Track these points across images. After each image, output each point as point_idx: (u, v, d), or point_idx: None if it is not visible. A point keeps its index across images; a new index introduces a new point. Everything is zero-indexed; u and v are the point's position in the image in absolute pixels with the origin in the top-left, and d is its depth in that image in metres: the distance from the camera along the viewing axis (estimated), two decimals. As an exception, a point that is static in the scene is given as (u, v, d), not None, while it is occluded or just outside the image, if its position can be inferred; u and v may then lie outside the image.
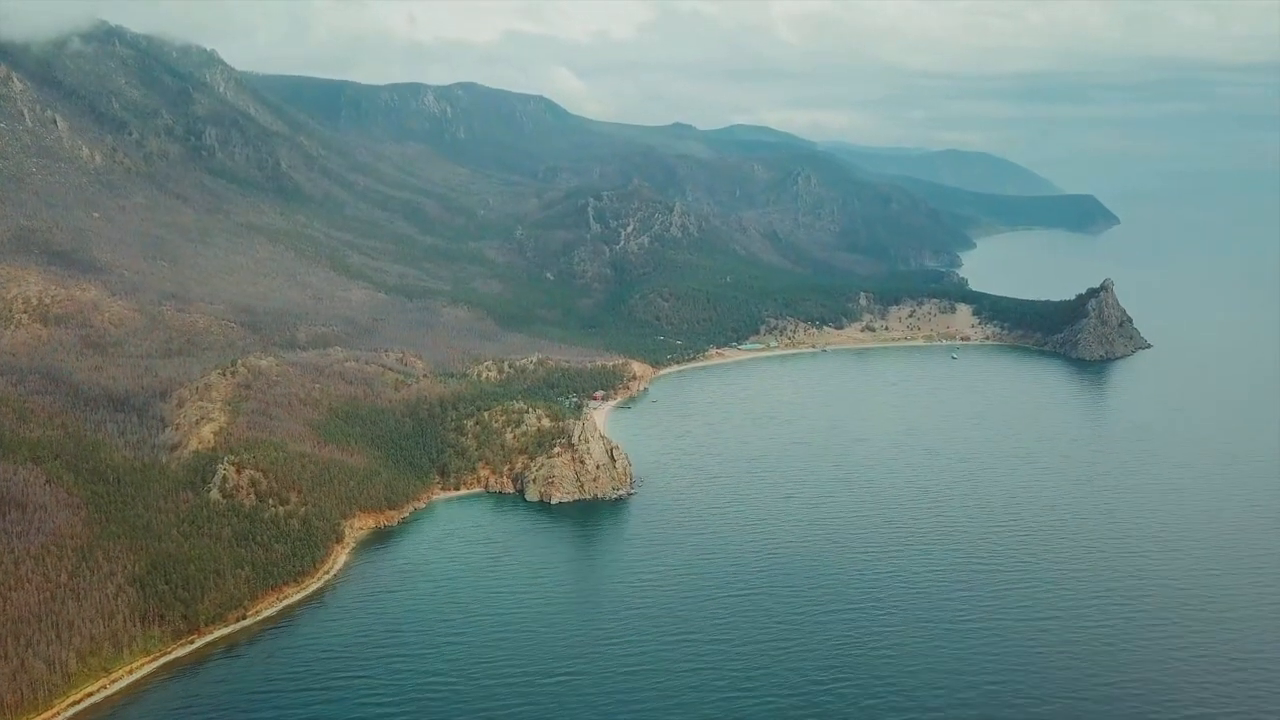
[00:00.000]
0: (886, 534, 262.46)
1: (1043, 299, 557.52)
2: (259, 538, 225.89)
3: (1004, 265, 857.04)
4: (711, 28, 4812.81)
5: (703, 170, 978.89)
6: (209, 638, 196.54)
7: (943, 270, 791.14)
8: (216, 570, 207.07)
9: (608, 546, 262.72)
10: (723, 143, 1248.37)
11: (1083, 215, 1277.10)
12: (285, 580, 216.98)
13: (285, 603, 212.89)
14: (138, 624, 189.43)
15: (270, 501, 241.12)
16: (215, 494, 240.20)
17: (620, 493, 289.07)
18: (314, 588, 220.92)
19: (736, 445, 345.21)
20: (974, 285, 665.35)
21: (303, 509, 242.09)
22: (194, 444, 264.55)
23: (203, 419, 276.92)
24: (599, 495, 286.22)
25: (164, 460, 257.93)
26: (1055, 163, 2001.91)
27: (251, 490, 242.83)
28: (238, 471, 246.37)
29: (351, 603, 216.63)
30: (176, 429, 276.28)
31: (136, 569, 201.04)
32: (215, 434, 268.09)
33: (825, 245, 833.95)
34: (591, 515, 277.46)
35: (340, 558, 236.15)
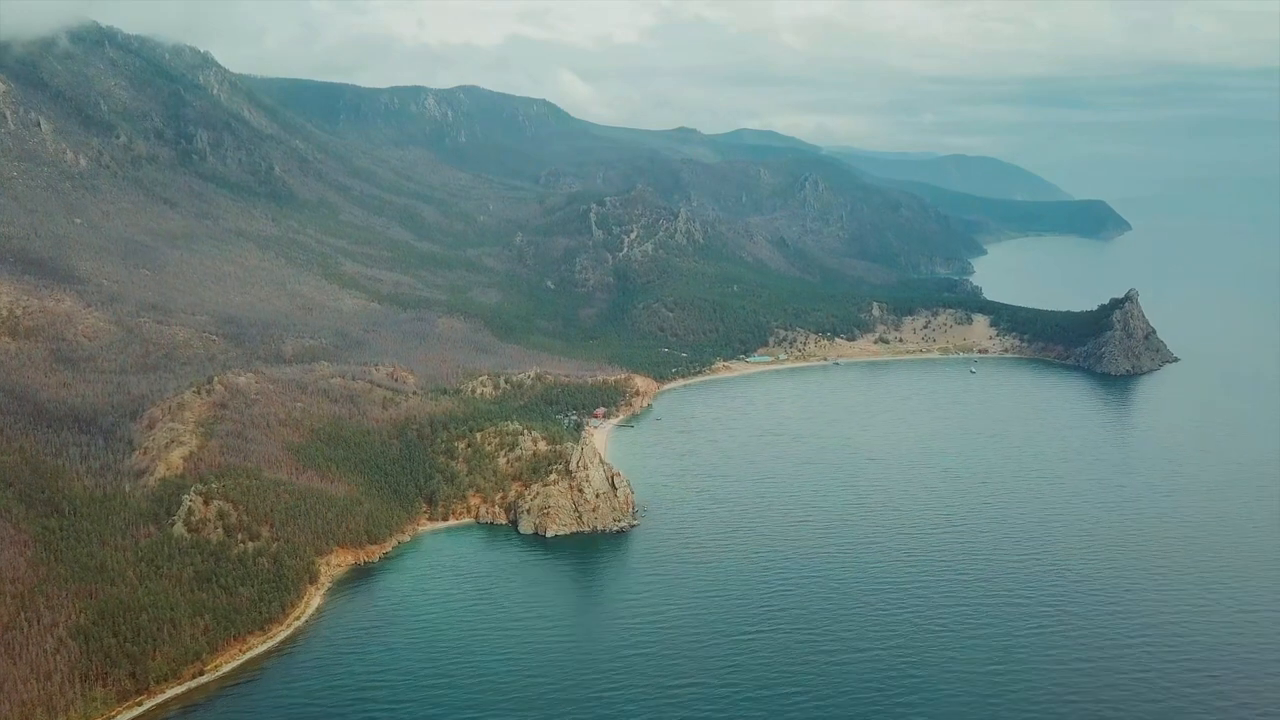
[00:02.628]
0: (905, 567, 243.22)
1: (1062, 309, 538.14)
2: (223, 579, 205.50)
3: (1017, 272, 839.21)
4: (715, 32, 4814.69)
5: (708, 175, 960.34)
6: (160, 698, 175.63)
7: (955, 278, 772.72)
8: (172, 620, 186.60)
9: (607, 584, 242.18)
10: (728, 147, 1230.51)
11: (1094, 221, 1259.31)
12: (250, 629, 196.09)
13: (249, 654, 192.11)
14: (78, 684, 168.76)
15: (239, 537, 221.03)
16: (180, 528, 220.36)
17: (622, 524, 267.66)
18: (283, 635, 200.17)
19: (744, 466, 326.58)
20: (987, 293, 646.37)
21: (274, 545, 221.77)
22: (161, 470, 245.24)
23: (173, 442, 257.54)
24: (599, 527, 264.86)
25: (127, 489, 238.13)
26: (1063, 168, 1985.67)
27: (219, 524, 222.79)
28: (205, 503, 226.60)
29: (324, 653, 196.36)
30: (144, 453, 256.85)
31: (81, 619, 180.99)
32: (185, 459, 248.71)
33: (834, 252, 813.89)
34: (590, 549, 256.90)
35: (314, 600, 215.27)
